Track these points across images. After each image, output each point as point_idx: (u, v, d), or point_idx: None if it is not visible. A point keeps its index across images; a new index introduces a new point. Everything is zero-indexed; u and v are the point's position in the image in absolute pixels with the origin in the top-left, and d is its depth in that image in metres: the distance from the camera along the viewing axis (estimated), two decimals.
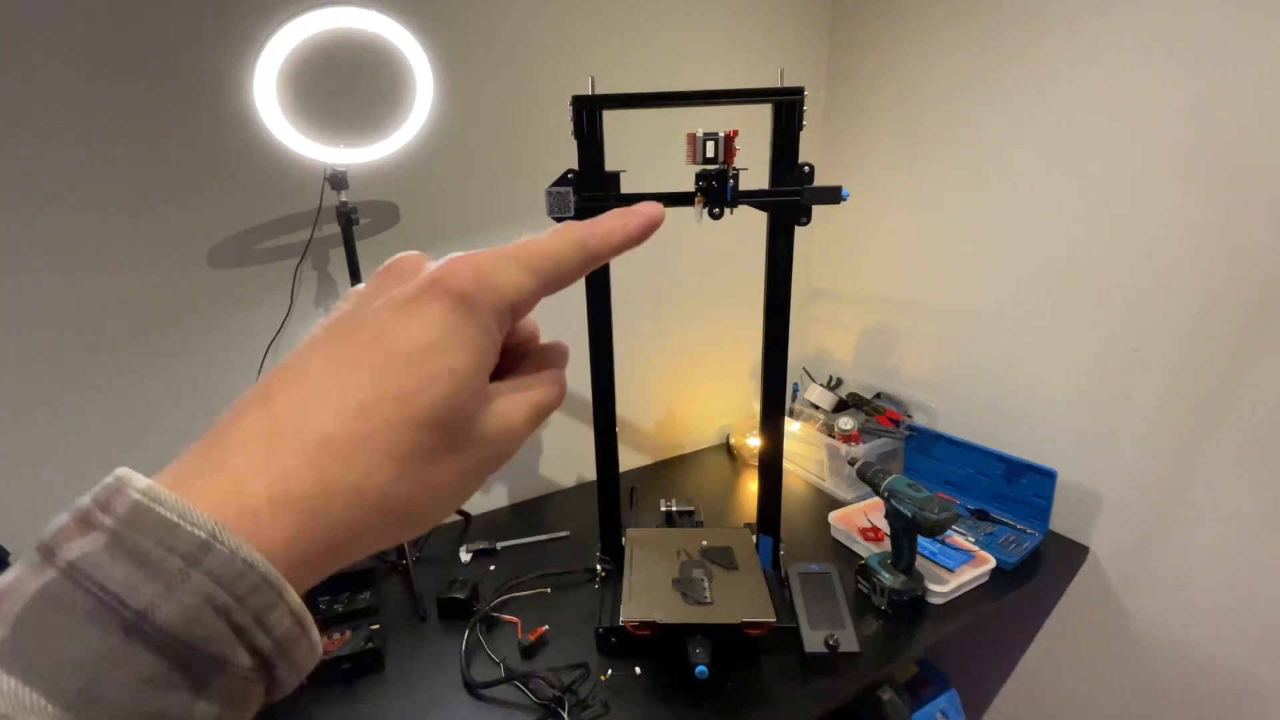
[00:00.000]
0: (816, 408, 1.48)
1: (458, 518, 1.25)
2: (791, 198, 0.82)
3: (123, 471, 0.16)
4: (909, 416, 1.42)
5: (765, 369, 0.93)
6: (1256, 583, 0.96)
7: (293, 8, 0.81)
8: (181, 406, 0.99)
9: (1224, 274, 0.93)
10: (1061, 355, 1.16)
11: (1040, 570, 1.08)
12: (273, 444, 0.17)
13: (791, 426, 1.41)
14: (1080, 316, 1.12)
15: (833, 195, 0.80)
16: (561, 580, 1.04)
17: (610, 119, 0.82)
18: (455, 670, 0.86)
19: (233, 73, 0.90)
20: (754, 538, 1.01)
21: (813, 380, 1.57)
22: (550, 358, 0.25)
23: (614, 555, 1.00)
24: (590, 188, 0.82)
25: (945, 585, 0.97)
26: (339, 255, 1.03)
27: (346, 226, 0.93)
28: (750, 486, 1.36)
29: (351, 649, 0.85)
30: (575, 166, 0.82)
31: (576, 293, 0.89)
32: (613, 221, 0.23)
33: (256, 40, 0.81)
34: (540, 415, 0.23)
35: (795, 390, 1.56)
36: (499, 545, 1.15)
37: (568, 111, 0.79)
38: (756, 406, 0.98)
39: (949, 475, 1.29)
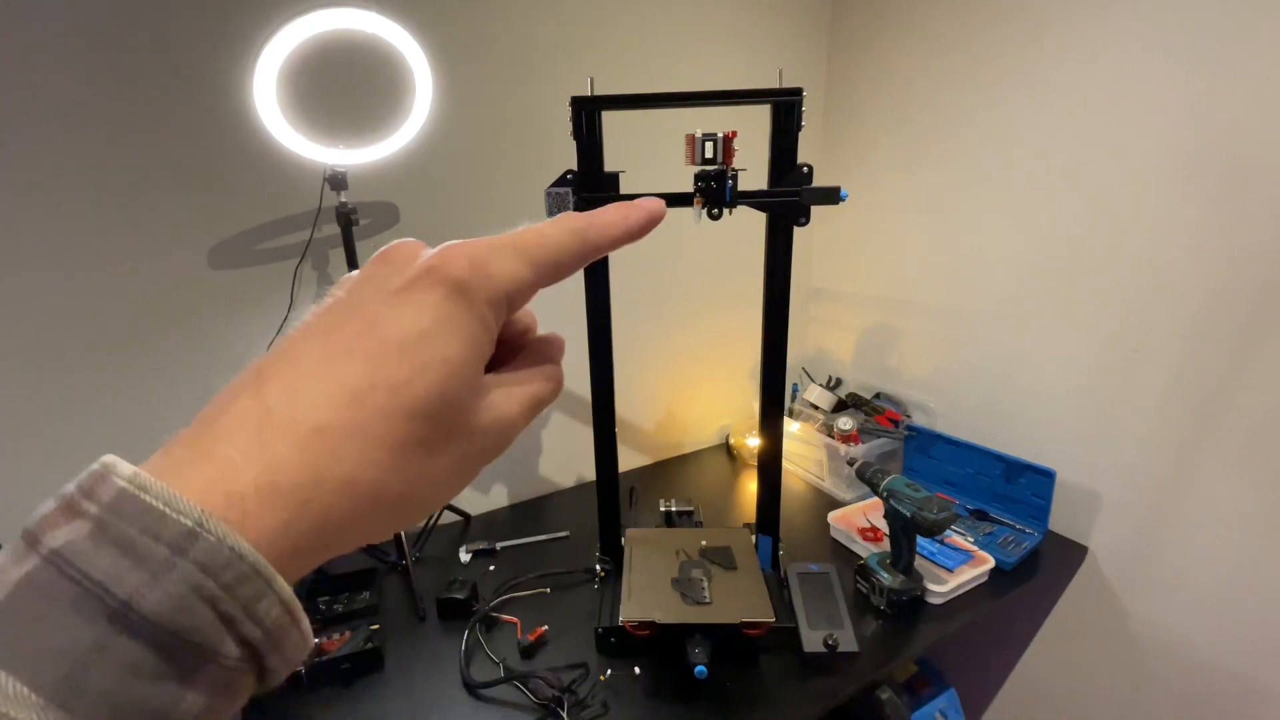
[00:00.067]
0: (816, 408, 1.48)
1: (457, 518, 1.25)
2: (790, 198, 0.82)
3: (108, 458, 0.15)
4: (908, 416, 1.42)
5: (764, 369, 0.93)
6: (1255, 583, 0.96)
7: (292, 8, 0.81)
8: (181, 406, 0.98)
9: (1224, 274, 0.93)
10: (1061, 355, 1.15)
11: (1039, 570, 1.08)
12: (262, 432, 0.17)
13: (791, 426, 1.42)
14: (1080, 316, 1.12)
15: (831, 195, 0.80)
16: (561, 580, 1.04)
17: (609, 119, 0.82)
18: (455, 670, 0.86)
19: (233, 73, 0.90)
20: (753, 538, 1.01)
21: (812, 380, 1.57)
22: (547, 350, 0.24)
23: (613, 555, 1.00)
24: (589, 188, 0.82)
25: (944, 585, 0.97)
26: (339, 256, 1.04)
27: (346, 227, 0.93)
28: (749, 486, 1.36)
29: (351, 649, 0.85)
30: (574, 167, 0.82)
31: (576, 293, 0.90)
32: (613, 214, 0.23)
33: (256, 41, 0.81)
34: (535, 408, 0.22)
35: (795, 390, 1.56)
36: (498, 545, 1.15)
37: (567, 112, 0.79)
38: (756, 406, 0.98)
39: (948, 475, 1.29)
